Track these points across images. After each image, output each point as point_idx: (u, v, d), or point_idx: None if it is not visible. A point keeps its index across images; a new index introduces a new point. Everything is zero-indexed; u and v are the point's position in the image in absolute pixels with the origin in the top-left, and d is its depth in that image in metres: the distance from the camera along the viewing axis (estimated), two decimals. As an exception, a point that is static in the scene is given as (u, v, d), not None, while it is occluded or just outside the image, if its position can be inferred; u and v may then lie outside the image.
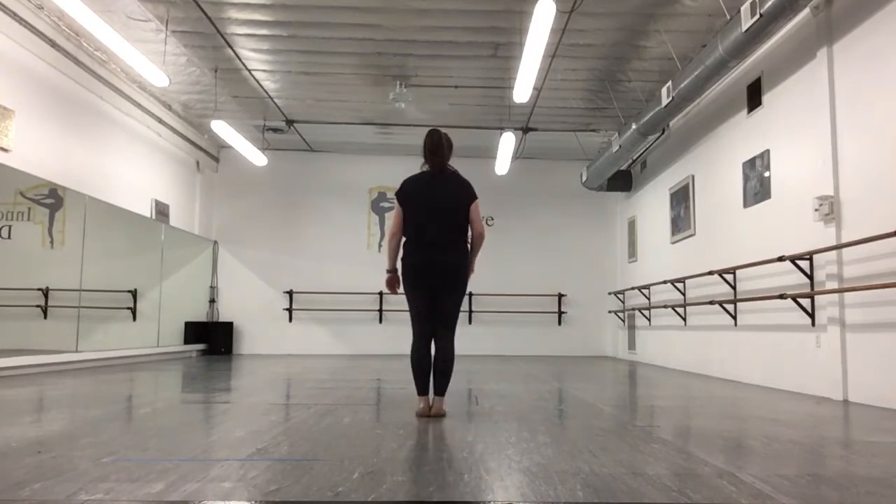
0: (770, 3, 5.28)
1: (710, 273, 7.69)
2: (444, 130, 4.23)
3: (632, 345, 11.59)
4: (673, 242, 9.63)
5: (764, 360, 6.71)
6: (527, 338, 12.27)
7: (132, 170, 9.46)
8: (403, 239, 4.19)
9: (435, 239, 4.07)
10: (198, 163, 11.69)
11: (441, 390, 4.07)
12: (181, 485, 2.25)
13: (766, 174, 6.78)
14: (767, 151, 6.78)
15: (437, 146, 4.12)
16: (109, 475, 2.38)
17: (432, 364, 4.11)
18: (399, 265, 4.21)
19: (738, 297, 7.27)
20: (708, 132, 8.40)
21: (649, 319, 10.58)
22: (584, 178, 11.53)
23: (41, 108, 7.38)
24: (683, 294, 9.00)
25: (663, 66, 8.07)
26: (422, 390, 4.10)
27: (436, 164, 4.14)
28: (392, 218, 4.29)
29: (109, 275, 9.32)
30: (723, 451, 3.07)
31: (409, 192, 4.16)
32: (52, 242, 8.24)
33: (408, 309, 4.24)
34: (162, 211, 10.34)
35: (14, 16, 6.77)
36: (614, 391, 6.05)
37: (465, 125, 10.55)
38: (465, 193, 4.15)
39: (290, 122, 10.71)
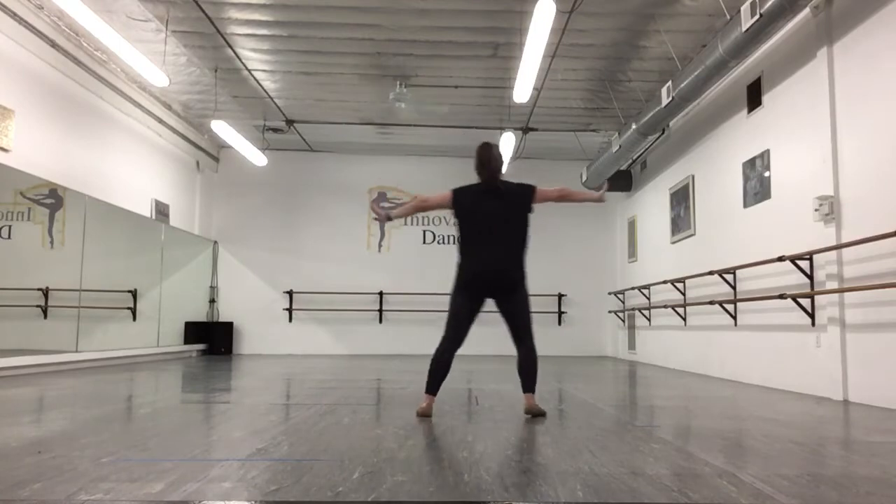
0: (770, 3, 5.28)
1: (710, 273, 7.69)
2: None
3: (632, 345, 11.59)
4: (673, 242, 9.63)
5: (764, 360, 6.71)
6: (527, 338, 12.23)
7: (132, 170, 9.46)
8: (462, 249, 4.18)
9: (496, 254, 4.08)
10: (198, 163, 11.69)
11: (529, 387, 4.11)
12: (181, 485, 2.25)
13: (766, 174, 6.78)
14: (767, 151, 6.77)
15: (490, 159, 4.18)
16: (109, 475, 2.38)
17: (517, 366, 4.15)
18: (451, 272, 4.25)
19: (738, 297, 7.27)
20: (708, 132, 8.40)
21: (649, 319, 10.57)
22: (584, 178, 11.52)
23: (41, 108, 7.38)
24: (683, 294, 9.00)
25: (663, 66, 8.07)
26: (430, 389, 4.09)
27: (489, 178, 4.18)
28: (438, 192, 4.29)
29: (109, 275, 9.31)
30: (723, 451, 3.07)
31: (467, 202, 4.18)
32: (52, 242, 8.23)
33: (447, 316, 4.22)
34: (162, 211, 10.34)
35: (14, 16, 6.77)
36: (614, 391, 6.05)
37: (465, 125, 10.54)
38: (521, 197, 4.17)
39: (290, 122, 10.71)
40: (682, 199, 9.28)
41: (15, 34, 6.83)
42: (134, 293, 9.85)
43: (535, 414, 4.02)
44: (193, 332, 11.35)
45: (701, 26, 7.07)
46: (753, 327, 7.02)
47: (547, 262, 12.67)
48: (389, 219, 4.35)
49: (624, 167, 11.38)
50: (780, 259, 6.08)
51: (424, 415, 4.01)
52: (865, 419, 4.29)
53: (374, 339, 12.27)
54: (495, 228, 4.10)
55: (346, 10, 7.00)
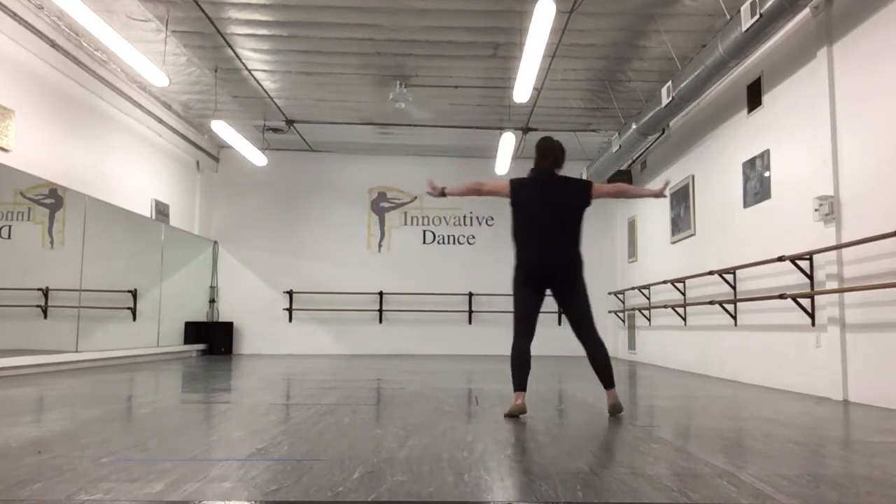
0: (770, 3, 5.28)
1: (710, 273, 7.69)
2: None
3: (632, 345, 11.59)
4: (673, 242, 9.63)
5: (764, 360, 6.71)
6: (527, 338, 12.22)
7: (132, 170, 9.46)
8: (517, 240, 4.23)
9: (552, 243, 4.12)
10: (198, 163, 11.69)
11: (609, 383, 4.13)
12: (181, 485, 2.25)
13: (766, 174, 6.78)
14: (767, 151, 6.78)
15: (551, 152, 4.24)
16: (109, 475, 2.38)
17: (591, 363, 4.18)
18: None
19: (738, 297, 7.27)
20: (708, 132, 8.40)
21: (649, 319, 10.57)
22: (585, 178, 11.52)
23: (41, 108, 7.38)
24: (683, 294, 9.00)
25: (663, 66, 8.07)
26: (520, 386, 4.10)
27: (548, 170, 4.23)
28: (497, 181, 4.36)
29: (109, 275, 9.31)
30: (723, 451, 3.07)
31: (523, 194, 4.22)
32: (52, 242, 8.23)
33: (514, 312, 4.26)
34: (162, 211, 10.34)
35: (14, 16, 6.77)
36: (614, 391, 6.04)
37: (465, 125, 10.54)
38: (578, 192, 4.22)
39: (290, 122, 10.71)
40: (682, 199, 9.28)
41: (15, 34, 6.83)
42: (134, 293, 9.85)
43: (617, 411, 4.06)
44: (193, 332, 11.35)
45: (701, 26, 7.07)
46: (753, 327, 7.02)
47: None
48: (443, 194, 4.36)
49: (624, 167, 11.37)
50: (780, 259, 6.08)
51: (520, 412, 4.01)
52: (865, 419, 4.29)
53: (374, 339, 12.27)
54: (552, 220, 4.15)
55: (346, 10, 7.00)
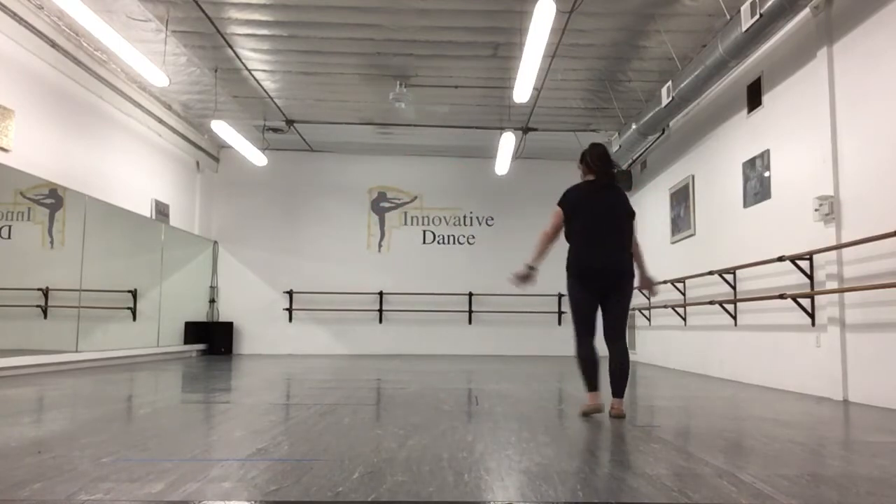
0: (770, 3, 5.28)
1: (711, 273, 7.69)
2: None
3: (632, 345, 11.58)
4: (673, 242, 9.63)
5: (764, 360, 6.71)
6: (527, 338, 12.25)
7: (132, 170, 9.47)
8: (574, 241, 4.29)
9: (607, 243, 4.18)
10: (198, 163, 11.69)
11: (620, 392, 4.15)
12: (181, 485, 2.25)
13: (766, 174, 6.78)
14: (767, 151, 6.78)
15: (603, 158, 4.32)
16: (109, 475, 2.38)
17: (609, 368, 4.19)
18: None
19: (739, 297, 7.27)
20: (708, 132, 8.40)
21: (649, 319, 10.57)
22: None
23: (41, 108, 7.38)
24: (683, 294, 9.00)
25: (663, 66, 8.07)
26: (592, 386, 4.16)
27: (603, 175, 4.30)
28: (550, 218, 4.40)
29: (109, 275, 9.31)
30: (723, 451, 3.07)
31: (577, 200, 4.28)
32: (52, 242, 8.23)
33: (571, 311, 4.35)
34: (162, 211, 10.34)
35: (14, 16, 6.77)
36: (614, 391, 6.05)
37: (465, 125, 10.54)
38: (628, 208, 4.32)
39: (290, 122, 10.71)
40: (682, 199, 9.28)
41: (15, 34, 6.83)
42: (134, 293, 9.85)
43: (619, 418, 4.09)
44: (193, 332, 11.35)
45: (701, 26, 7.07)
46: (753, 327, 7.02)
47: (547, 262, 12.64)
48: (532, 268, 4.46)
49: (624, 167, 11.38)
50: (780, 259, 6.08)
51: (595, 411, 4.09)
52: (865, 419, 4.30)
53: (374, 339, 12.27)
54: (612, 225, 4.21)
55: (346, 10, 7.00)
